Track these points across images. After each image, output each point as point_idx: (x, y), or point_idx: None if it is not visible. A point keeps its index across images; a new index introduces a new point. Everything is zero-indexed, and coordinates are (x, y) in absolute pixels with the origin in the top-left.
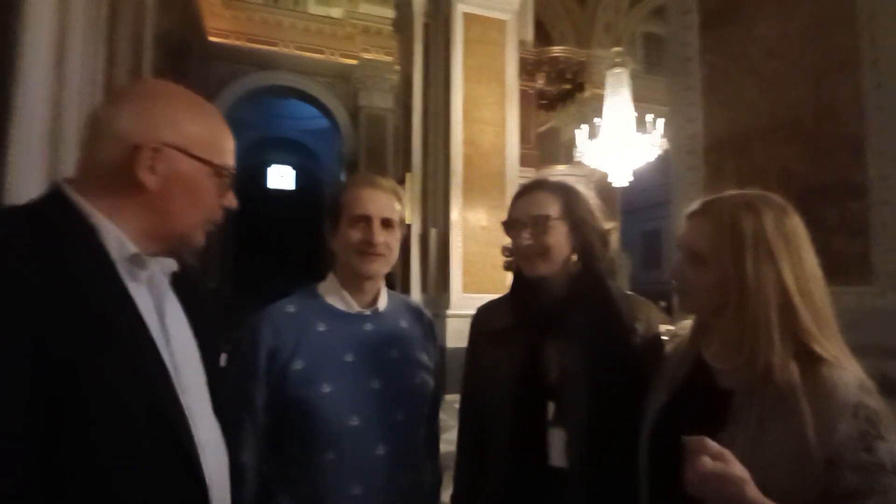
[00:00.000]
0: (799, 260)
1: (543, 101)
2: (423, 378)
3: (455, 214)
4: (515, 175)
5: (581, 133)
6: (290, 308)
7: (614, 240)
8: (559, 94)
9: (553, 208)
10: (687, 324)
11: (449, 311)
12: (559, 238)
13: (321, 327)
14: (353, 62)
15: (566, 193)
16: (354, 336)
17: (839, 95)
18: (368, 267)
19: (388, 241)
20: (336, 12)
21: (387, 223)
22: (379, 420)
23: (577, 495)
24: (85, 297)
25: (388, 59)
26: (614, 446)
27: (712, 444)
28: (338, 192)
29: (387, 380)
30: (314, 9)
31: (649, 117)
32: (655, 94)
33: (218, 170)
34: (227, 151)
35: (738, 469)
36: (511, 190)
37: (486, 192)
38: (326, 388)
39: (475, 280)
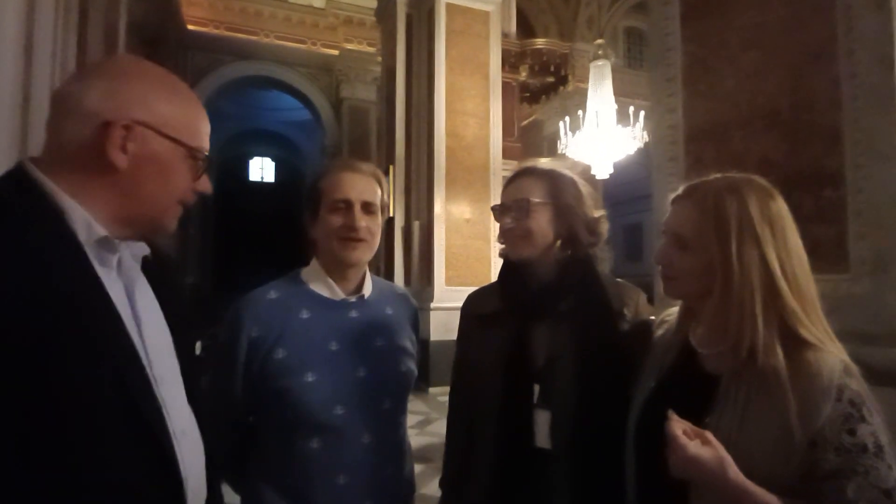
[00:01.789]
0: (784, 243)
1: (526, 94)
2: (408, 366)
3: (438, 207)
4: (499, 168)
5: (564, 125)
6: (273, 294)
7: (604, 228)
8: (542, 86)
9: (536, 193)
10: (675, 310)
11: (432, 304)
12: (541, 222)
13: (305, 314)
14: (335, 53)
15: (552, 179)
16: (339, 324)
17: (815, 85)
18: (350, 254)
19: (370, 227)
20: (318, 2)
21: (368, 207)
22: (365, 409)
23: (562, 476)
24: (52, 283)
25: (371, 50)
26: (599, 429)
27: (690, 426)
28: (316, 177)
29: (372, 368)
30: None
31: (631, 109)
32: (637, 89)
33: (192, 152)
34: (201, 134)
35: (720, 451)
36: (495, 183)
37: (469, 185)
38: (310, 378)
39: (458, 273)
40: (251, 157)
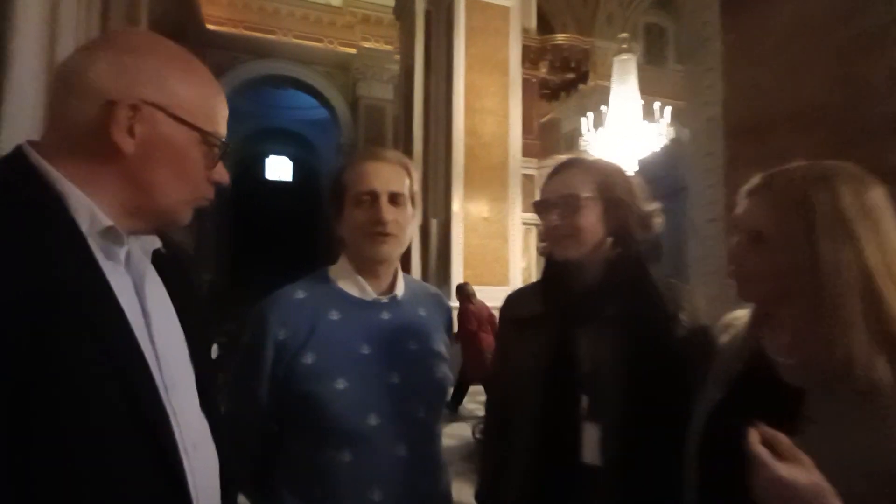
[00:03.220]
0: (883, 237)
1: (545, 91)
2: (443, 371)
3: (456, 205)
4: (518, 166)
5: (586, 122)
6: (300, 294)
7: (658, 222)
8: (562, 83)
9: (585, 187)
10: (742, 313)
11: (450, 304)
12: (591, 219)
13: (334, 315)
14: (353, 51)
15: (601, 172)
16: (370, 325)
17: (870, 75)
18: (379, 249)
19: (398, 219)
20: (335, 0)
21: (395, 199)
22: (399, 418)
23: (610, 495)
24: (50, 274)
25: (388, 48)
26: (652, 445)
27: (785, 442)
28: (340, 170)
29: (406, 374)
30: None
31: (656, 105)
32: (658, 86)
33: (206, 137)
34: (218, 118)
35: (818, 478)
36: (513, 181)
37: (487, 184)
38: (340, 384)
39: (476, 272)
40: (268, 156)
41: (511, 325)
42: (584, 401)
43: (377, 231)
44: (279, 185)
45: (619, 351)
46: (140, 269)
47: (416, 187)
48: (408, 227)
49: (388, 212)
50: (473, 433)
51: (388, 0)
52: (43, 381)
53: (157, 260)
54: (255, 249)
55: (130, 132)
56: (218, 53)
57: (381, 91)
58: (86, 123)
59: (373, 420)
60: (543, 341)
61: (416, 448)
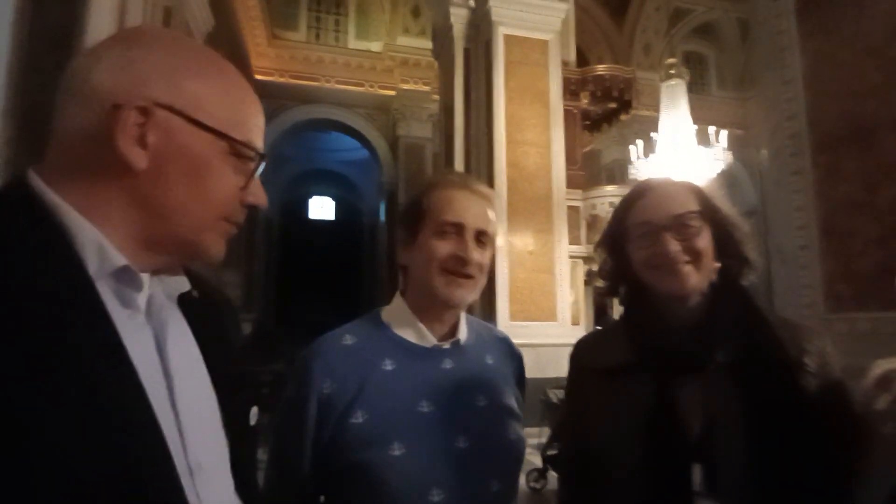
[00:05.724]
0: None
1: (587, 122)
2: (517, 433)
3: (500, 239)
4: (562, 197)
5: (637, 149)
6: (349, 340)
7: (754, 248)
8: (604, 113)
9: (694, 205)
10: None
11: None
12: (707, 242)
13: (388, 366)
14: (392, 93)
15: (700, 188)
16: (431, 377)
17: None
18: (454, 293)
19: (482, 261)
20: (375, 46)
21: (481, 237)
22: (468, 493)
23: None
24: (42, 330)
25: (426, 88)
26: None
27: None
28: (421, 192)
29: (475, 436)
30: (354, 44)
31: (711, 129)
32: (701, 114)
33: (236, 147)
34: (250, 126)
35: None
36: (558, 213)
37: (532, 216)
38: (396, 450)
39: (523, 308)
40: (311, 196)
41: (591, 378)
42: (698, 471)
43: (458, 270)
44: (322, 224)
45: (736, 406)
46: (163, 319)
47: (497, 226)
48: (487, 271)
49: (475, 251)
50: (528, 482)
51: (424, 44)
52: (25, 469)
53: (187, 305)
54: (300, 286)
55: (142, 143)
56: (265, 102)
57: (419, 130)
58: (89, 135)
59: (436, 496)
60: (638, 396)
61: None
